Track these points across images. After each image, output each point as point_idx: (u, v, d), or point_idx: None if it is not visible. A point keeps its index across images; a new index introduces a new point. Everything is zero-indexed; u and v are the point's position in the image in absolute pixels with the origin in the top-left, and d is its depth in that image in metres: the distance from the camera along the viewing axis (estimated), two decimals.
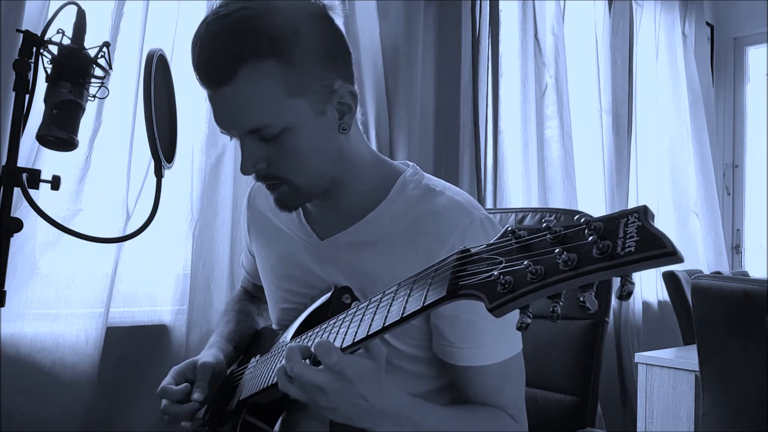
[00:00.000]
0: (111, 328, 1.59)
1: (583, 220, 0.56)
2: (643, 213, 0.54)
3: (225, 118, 0.94)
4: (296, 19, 0.92)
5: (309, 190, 0.99)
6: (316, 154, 0.96)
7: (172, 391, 1.04)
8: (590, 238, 0.54)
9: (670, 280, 2.72)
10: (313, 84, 0.93)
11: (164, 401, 1.05)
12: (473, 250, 0.66)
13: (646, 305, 3.17)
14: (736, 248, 3.97)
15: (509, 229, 0.62)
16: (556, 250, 0.55)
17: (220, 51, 0.90)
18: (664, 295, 3.03)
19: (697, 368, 1.75)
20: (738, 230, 3.98)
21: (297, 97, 0.92)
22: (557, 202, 2.72)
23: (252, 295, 1.38)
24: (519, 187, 2.57)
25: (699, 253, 3.48)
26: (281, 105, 0.91)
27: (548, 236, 0.58)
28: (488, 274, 0.60)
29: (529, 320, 0.57)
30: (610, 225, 0.55)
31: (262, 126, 0.92)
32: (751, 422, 1.62)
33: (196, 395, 1.04)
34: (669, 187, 3.45)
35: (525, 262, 0.57)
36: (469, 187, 2.33)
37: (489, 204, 2.47)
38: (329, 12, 0.96)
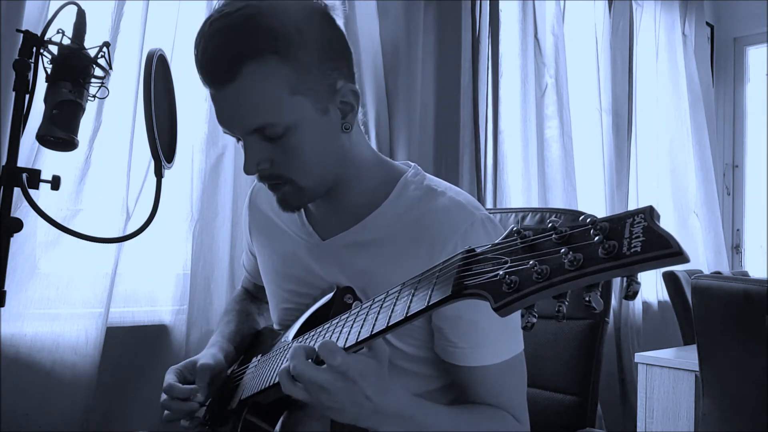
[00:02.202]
0: (111, 328, 1.59)
1: (588, 220, 0.56)
2: (650, 213, 0.54)
3: (228, 117, 0.94)
4: (299, 17, 0.92)
5: (312, 190, 0.99)
6: (320, 154, 0.96)
7: (179, 389, 1.04)
8: (596, 238, 0.54)
9: (670, 280, 2.72)
10: (316, 83, 0.93)
11: (165, 396, 1.05)
12: (478, 250, 0.66)
13: (646, 305, 3.17)
14: (736, 248, 3.97)
15: (514, 229, 0.62)
16: (562, 250, 0.55)
17: (223, 49, 0.89)
18: (664, 295, 3.03)
19: (697, 368, 1.74)
20: (738, 230, 3.98)
21: (300, 96, 0.92)
22: (557, 202, 2.71)
23: (252, 295, 1.38)
24: (519, 187, 2.57)
25: (699, 253, 3.48)
26: (285, 103, 0.91)
27: (554, 236, 0.58)
28: (493, 273, 0.60)
29: (535, 320, 0.57)
30: (616, 225, 0.54)
31: (266, 125, 0.91)
32: (751, 422, 1.62)
33: (199, 397, 1.04)
34: (669, 187, 3.45)
35: (530, 262, 0.57)
36: (469, 187, 2.32)
37: (489, 204, 2.47)
38: (330, 11, 0.97)
